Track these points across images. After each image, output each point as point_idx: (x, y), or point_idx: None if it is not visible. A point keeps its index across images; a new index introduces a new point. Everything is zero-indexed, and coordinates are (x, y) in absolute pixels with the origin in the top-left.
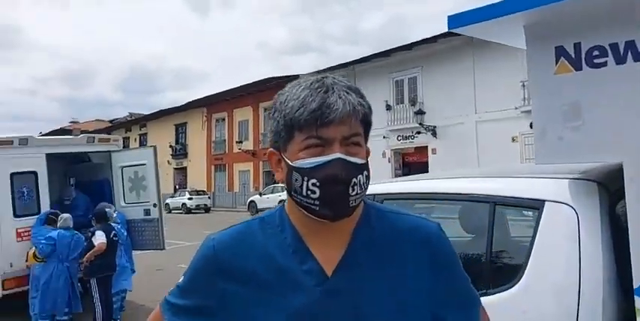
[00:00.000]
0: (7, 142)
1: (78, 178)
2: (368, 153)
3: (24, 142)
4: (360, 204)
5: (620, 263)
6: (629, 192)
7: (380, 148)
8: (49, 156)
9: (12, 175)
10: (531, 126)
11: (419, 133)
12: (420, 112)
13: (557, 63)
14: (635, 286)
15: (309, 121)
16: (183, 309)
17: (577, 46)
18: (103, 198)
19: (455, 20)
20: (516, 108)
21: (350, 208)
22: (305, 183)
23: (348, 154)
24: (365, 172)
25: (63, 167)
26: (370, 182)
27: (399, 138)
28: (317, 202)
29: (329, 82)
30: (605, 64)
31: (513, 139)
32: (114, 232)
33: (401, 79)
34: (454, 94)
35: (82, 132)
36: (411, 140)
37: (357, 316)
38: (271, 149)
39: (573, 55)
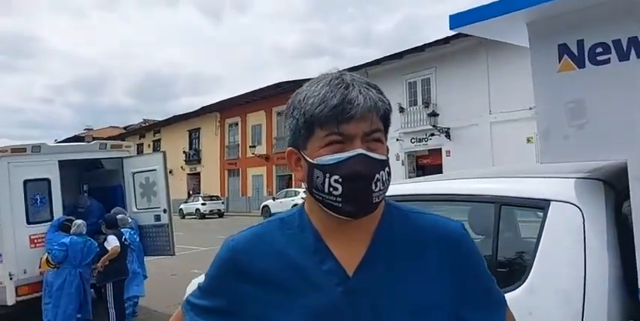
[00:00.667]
0: (20, 150)
1: (91, 184)
2: (388, 150)
3: (37, 149)
4: (381, 201)
5: (625, 263)
6: (633, 191)
7: (393, 150)
8: (61, 163)
9: (25, 182)
10: None
11: (433, 135)
12: (434, 114)
13: (560, 61)
14: None
15: (330, 117)
16: (204, 310)
17: (580, 44)
18: (116, 204)
19: (457, 19)
20: (531, 108)
21: (373, 204)
22: (327, 180)
23: (369, 150)
24: (387, 169)
25: (76, 174)
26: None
27: (413, 140)
28: (339, 199)
29: (348, 78)
30: (608, 61)
31: (528, 140)
32: (124, 237)
33: (414, 81)
34: (468, 95)
35: (95, 138)
36: (424, 142)
37: (378, 317)
38: (290, 148)
39: (576, 53)
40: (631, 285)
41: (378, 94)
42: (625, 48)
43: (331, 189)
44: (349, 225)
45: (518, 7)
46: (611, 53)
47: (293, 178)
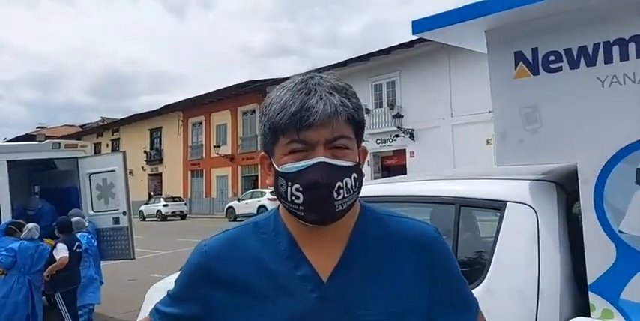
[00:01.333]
0: None
1: (43, 186)
2: (365, 153)
3: None
4: (351, 207)
5: (576, 261)
6: (583, 194)
7: None
8: (10, 163)
9: None
10: None
11: (397, 136)
12: (398, 116)
13: (516, 67)
14: (589, 283)
15: (290, 125)
16: (173, 318)
17: (534, 51)
18: (70, 207)
19: (419, 25)
20: (490, 112)
21: (336, 212)
22: (289, 189)
23: (334, 158)
24: (354, 175)
25: (27, 175)
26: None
27: (378, 141)
28: (302, 208)
29: (313, 82)
30: (560, 68)
31: (488, 142)
32: (77, 243)
33: (380, 83)
34: (431, 97)
35: (47, 137)
36: (389, 144)
37: None
38: (262, 153)
39: (531, 60)
40: (581, 282)
41: (342, 98)
42: (575, 57)
43: (293, 198)
44: (323, 230)
45: (476, 15)
46: (562, 61)
47: (259, 179)
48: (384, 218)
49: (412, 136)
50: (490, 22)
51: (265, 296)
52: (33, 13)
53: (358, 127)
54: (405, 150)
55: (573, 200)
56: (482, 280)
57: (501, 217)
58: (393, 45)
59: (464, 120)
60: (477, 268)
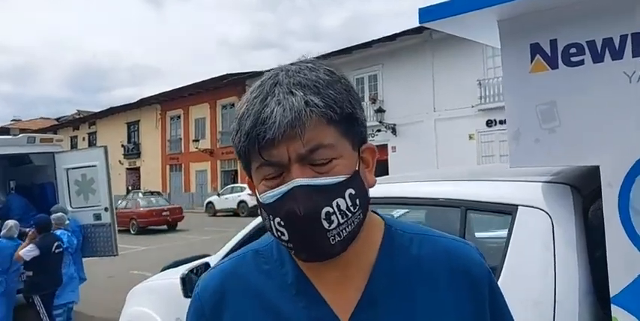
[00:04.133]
0: None
1: (18, 181)
2: (372, 152)
3: None
4: (355, 234)
5: (595, 270)
6: (605, 198)
7: None
8: None
9: None
10: (487, 124)
11: (379, 131)
12: (380, 110)
13: (532, 61)
14: (611, 295)
15: (249, 146)
16: None
17: (553, 44)
18: (46, 202)
19: (426, 13)
20: (473, 106)
21: (333, 245)
22: (272, 223)
23: (316, 175)
24: (349, 191)
25: (1, 170)
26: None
27: None
28: (290, 245)
29: (273, 82)
30: (582, 62)
31: (470, 137)
32: (57, 243)
33: (361, 77)
34: (414, 92)
35: (21, 131)
36: (371, 138)
37: None
38: (248, 178)
39: (549, 53)
40: (601, 293)
41: (307, 96)
42: (599, 49)
43: (279, 233)
44: (338, 259)
45: (490, 3)
46: (585, 54)
47: (239, 173)
48: (415, 239)
49: (394, 131)
50: (503, 11)
51: None
52: (4, 4)
53: (346, 123)
54: (386, 145)
55: (589, 204)
56: None
57: (512, 223)
58: (374, 38)
59: (447, 115)
60: None
